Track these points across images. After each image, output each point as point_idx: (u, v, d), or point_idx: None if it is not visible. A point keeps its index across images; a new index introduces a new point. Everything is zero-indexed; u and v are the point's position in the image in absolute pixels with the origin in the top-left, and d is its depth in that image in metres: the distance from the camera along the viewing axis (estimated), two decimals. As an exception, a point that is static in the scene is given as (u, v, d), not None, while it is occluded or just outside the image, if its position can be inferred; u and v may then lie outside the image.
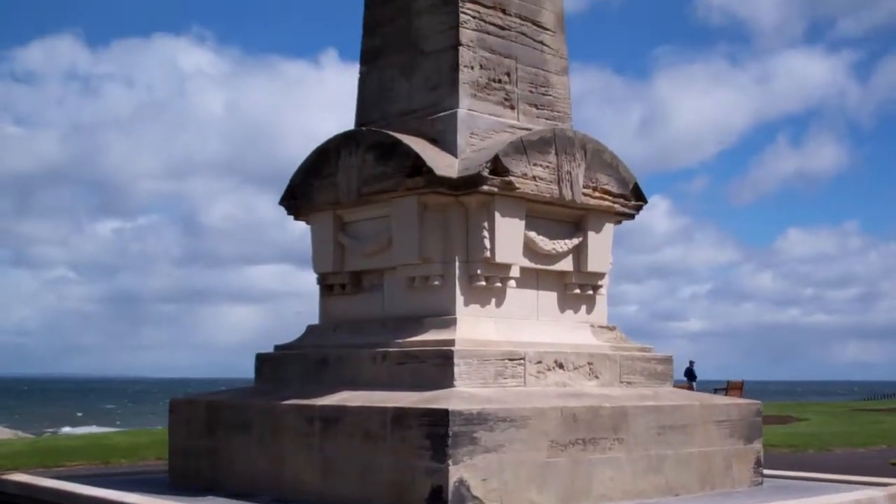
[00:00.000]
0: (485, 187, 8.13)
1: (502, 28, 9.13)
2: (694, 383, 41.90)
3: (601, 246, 9.12)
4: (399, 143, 8.39)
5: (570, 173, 8.73)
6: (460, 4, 8.83)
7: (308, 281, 9.67)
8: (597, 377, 8.66)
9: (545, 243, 8.70)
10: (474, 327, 8.20)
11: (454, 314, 8.25)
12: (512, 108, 9.13)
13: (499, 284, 8.48)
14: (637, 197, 9.39)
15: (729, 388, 40.83)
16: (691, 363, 42.70)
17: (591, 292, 9.23)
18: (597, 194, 8.97)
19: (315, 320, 9.62)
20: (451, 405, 6.94)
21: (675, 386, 9.60)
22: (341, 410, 7.67)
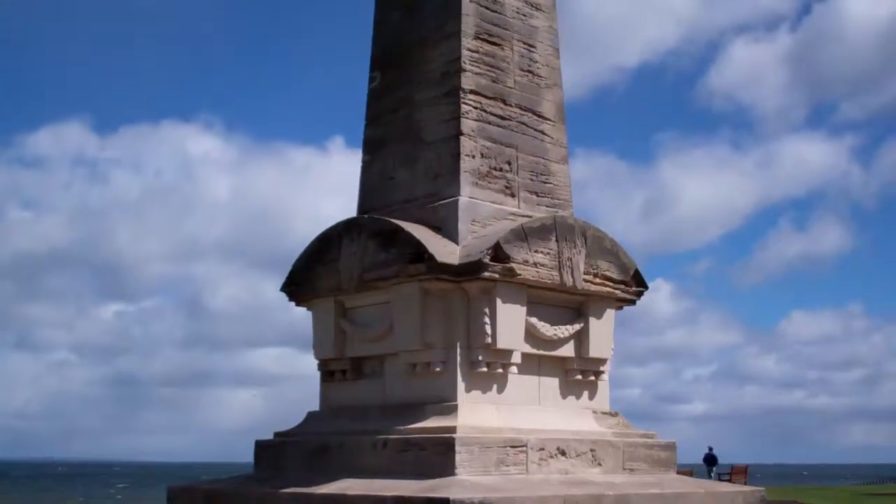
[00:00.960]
0: (486, 274, 8.20)
1: (503, 118, 9.31)
2: (715, 468, 41.41)
3: (602, 332, 9.15)
4: (400, 230, 8.48)
5: (571, 260, 8.80)
6: (462, 95, 9.02)
7: (310, 364, 9.69)
8: (599, 464, 8.60)
9: (546, 329, 8.73)
10: (476, 414, 8.18)
11: (455, 401, 8.23)
12: (513, 195, 9.25)
13: (500, 370, 8.48)
14: (638, 283, 9.45)
15: (733, 472, 40.37)
16: (710, 449, 42.28)
17: (592, 378, 9.23)
18: (598, 280, 9.03)
19: (315, 406, 9.60)
20: (453, 494, 6.89)
21: (679, 472, 9.52)
22: (341, 499, 7.61)
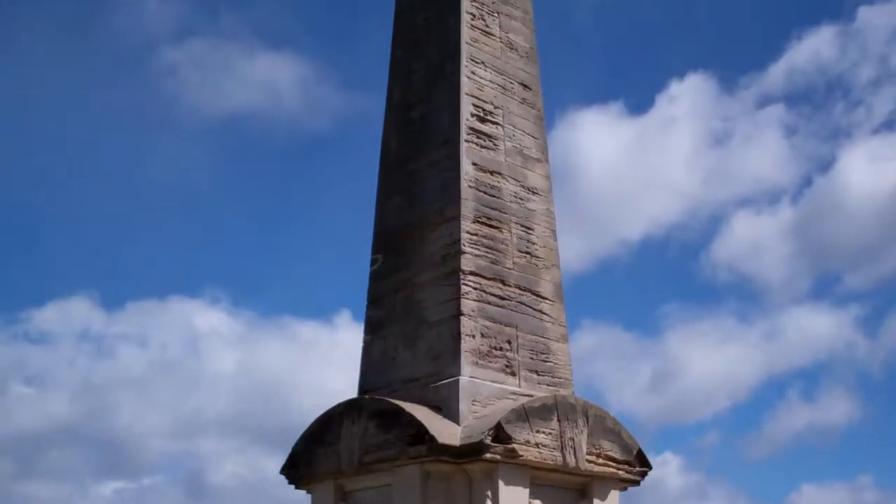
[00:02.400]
0: (487, 455, 8.13)
1: (502, 298, 9.45)
2: None
3: (607, 514, 8.99)
4: (402, 411, 8.47)
5: (573, 440, 8.75)
6: (462, 277, 9.19)
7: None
8: None
9: (550, 512, 8.58)
10: None
11: (458, 588, 8.00)
12: (513, 374, 9.28)
13: (504, 556, 8.28)
14: (642, 463, 9.35)
15: None
16: None
17: (599, 563, 9.00)
18: (600, 461, 8.94)
19: None
20: None
21: None
22: None
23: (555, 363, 9.70)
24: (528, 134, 10.38)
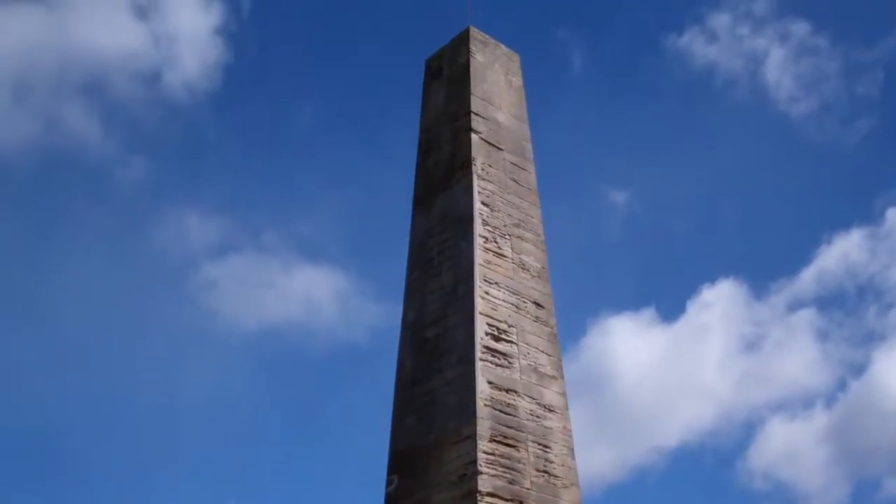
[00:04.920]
0: None
1: (521, 520, 9.25)
2: None
3: None
4: None
5: None
6: (478, 498, 9.03)
7: None
8: None
9: None
10: None
11: None
12: None
13: None
14: None
15: None
16: None
17: None
18: None
19: None
20: None
21: None
22: None
23: (576, 591, 9.38)
24: (543, 351, 10.48)
